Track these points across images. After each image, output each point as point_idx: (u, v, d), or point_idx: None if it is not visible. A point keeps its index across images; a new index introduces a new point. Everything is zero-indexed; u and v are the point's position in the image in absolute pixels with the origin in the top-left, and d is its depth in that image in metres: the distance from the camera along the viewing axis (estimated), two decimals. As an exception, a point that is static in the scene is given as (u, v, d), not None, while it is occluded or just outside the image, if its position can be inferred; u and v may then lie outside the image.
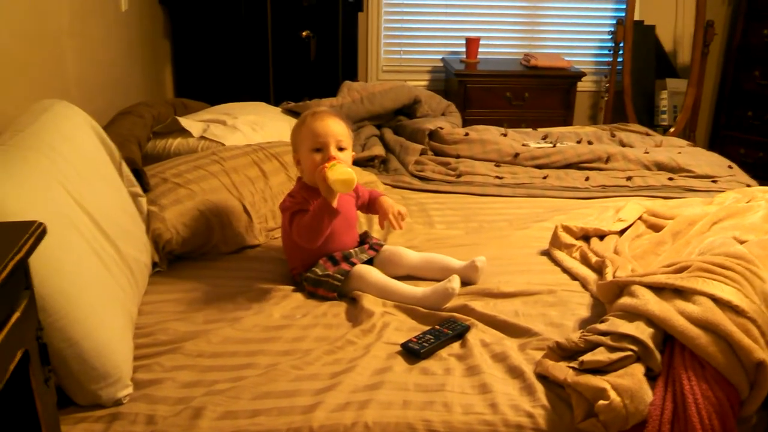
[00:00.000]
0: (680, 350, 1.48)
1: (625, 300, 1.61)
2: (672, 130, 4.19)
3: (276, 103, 3.31)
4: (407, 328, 1.72)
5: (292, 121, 2.79)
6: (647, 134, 3.38)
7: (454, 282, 1.79)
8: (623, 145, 3.17)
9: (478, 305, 1.79)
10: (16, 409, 1.06)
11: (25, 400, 1.07)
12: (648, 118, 4.37)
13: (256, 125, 2.78)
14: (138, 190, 2.01)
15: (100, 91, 2.70)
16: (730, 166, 2.94)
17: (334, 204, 1.84)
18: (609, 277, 1.84)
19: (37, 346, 1.11)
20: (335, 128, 1.93)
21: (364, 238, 2.08)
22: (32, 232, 1.08)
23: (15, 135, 1.57)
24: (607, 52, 4.41)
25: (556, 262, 2.07)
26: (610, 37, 4.34)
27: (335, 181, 1.80)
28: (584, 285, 1.92)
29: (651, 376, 1.45)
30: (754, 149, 4.26)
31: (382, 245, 2.06)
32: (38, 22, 2.17)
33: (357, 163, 2.81)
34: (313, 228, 1.85)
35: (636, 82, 4.30)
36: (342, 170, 1.82)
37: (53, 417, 1.17)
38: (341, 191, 1.83)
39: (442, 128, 3.12)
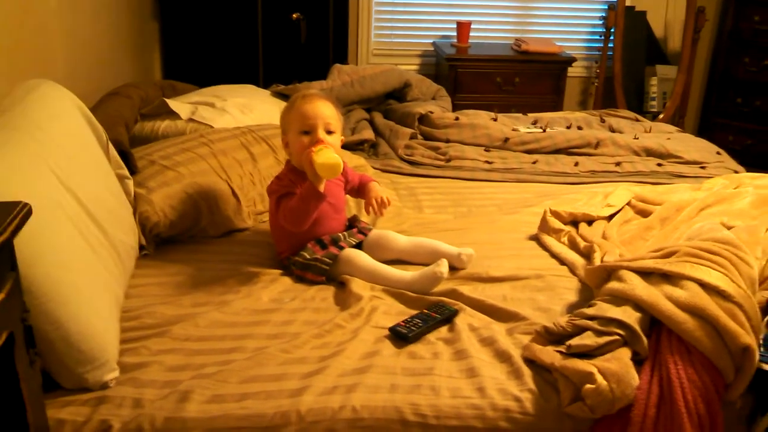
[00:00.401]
0: (667, 335, 1.49)
1: (612, 285, 1.62)
2: (661, 116, 4.19)
3: (265, 86, 3.29)
4: (395, 312, 1.72)
5: (281, 104, 2.77)
6: (637, 120, 3.39)
7: (443, 266, 1.79)
8: (613, 130, 3.17)
9: (467, 289, 1.79)
10: (1, 392, 1.06)
11: (10, 383, 1.07)
12: (638, 104, 4.37)
13: (245, 108, 2.76)
14: (125, 172, 1.99)
15: (87, 71, 2.68)
16: (718, 153, 2.95)
17: (321, 188, 1.83)
18: (597, 262, 1.84)
19: (22, 329, 1.11)
20: (324, 111, 1.92)
21: (352, 222, 2.08)
22: (17, 213, 1.07)
23: (1, 115, 1.56)
24: (598, 37, 4.40)
25: (545, 247, 2.07)
26: (601, 22, 4.33)
27: (321, 166, 1.78)
28: (572, 270, 1.93)
29: (638, 360, 1.46)
30: (743, 136, 4.27)
31: (370, 229, 2.06)
32: (26, 2, 2.14)
33: (346, 146, 2.79)
34: (299, 212, 1.85)
35: (626, 68, 4.30)
36: (328, 155, 1.80)
37: (38, 400, 1.17)
38: (327, 177, 1.82)
39: (432, 112, 3.11)
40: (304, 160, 1.85)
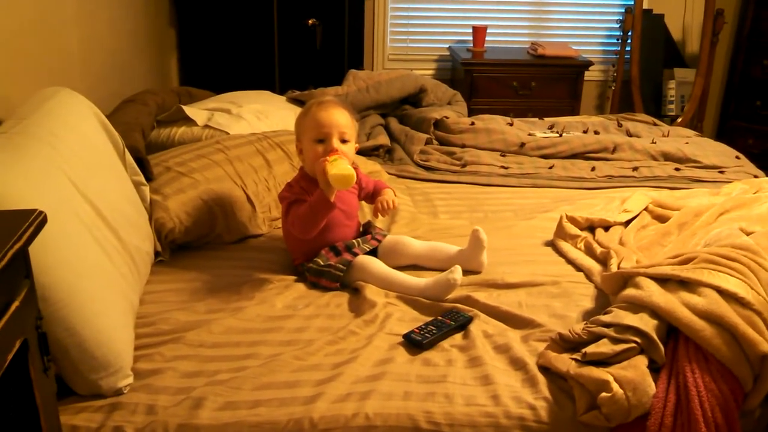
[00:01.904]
0: (684, 342, 1.47)
1: (629, 291, 1.60)
2: (679, 120, 4.16)
3: (281, 92, 3.30)
4: (410, 319, 1.71)
5: (297, 110, 2.76)
6: (654, 124, 3.36)
7: (456, 273, 1.78)
8: (630, 135, 3.14)
9: (482, 296, 1.78)
10: (15, 398, 1.06)
11: (24, 389, 1.07)
12: (655, 107, 4.34)
13: (260, 114, 2.77)
14: (141, 178, 2.00)
15: (104, 79, 2.70)
16: (737, 157, 2.91)
17: (332, 198, 1.82)
18: (614, 268, 1.83)
19: (36, 335, 1.11)
20: (339, 119, 1.91)
21: (366, 228, 2.07)
22: (32, 221, 1.08)
23: (18, 123, 1.57)
24: (615, 41, 4.37)
25: (561, 253, 2.06)
26: (618, 26, 4.31)
27: (334, 177, 1.78)
28: (588, 276, 1.91)
29: (654, 368, 1.45)
30: (763, 139, 4.22)
31: (385, 235, 2.05)
32: (44, 9, 2.16)
33: (362, 152, 2.80)
34: (307, 220, 1.84)
35: (644, 71, 4.27)
36: (342, 166, 1.79)
37: (52, 406, 1.17)
38: (339, 188, 1.81)
39: (447, 117, 3.10)
40: (317, 169, 1.84)
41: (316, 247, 1.92)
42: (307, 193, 1.90)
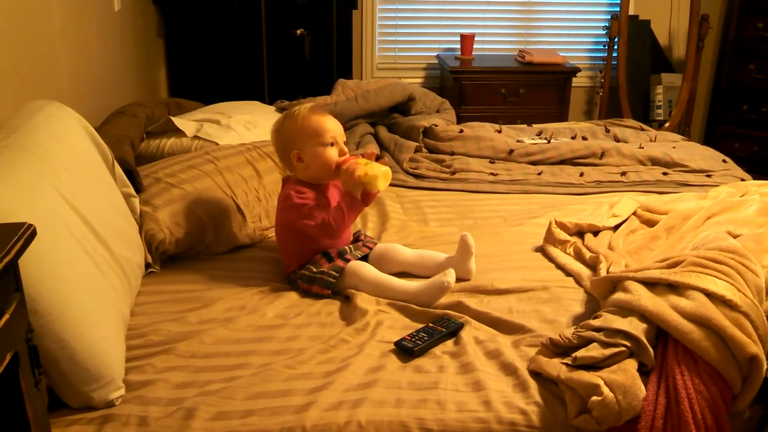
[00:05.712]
0: (673, 345, 1.48)
1: (618, 295, 1.61)
2: (667, 124, 4.19)
3: (270, 102, 3.31)
4: (401, 326, 1.72)
5: (286, 120, 2.78)
6: (642, 129, 3.38)
7: (450, 276, 1.79)
8: (618, 140, 3.17)
9: (472, 302, 1.78)
10: (6, 412, 1.06)
11: (15, 402, 1.07)
12: (643, 113, 4.37)
13: (250, 124, 2.78)
14: (131, 190, 2.00)
15: (93, 91, 2.70)
16: (724, 161, 2.94)
17: (359, 197, 1.91)
18: (603, 272, 1.84)
19: (27, 348, 1.11)
20: (337, 124, 1.99)
21: (357, 236, 2.08)
22: (21, 234, 1.08)
23: (7, 136, 1.57)
24: (601, 47, 4.41)
25: (550, 259, 2.07)
26: (604, 32, 4.34)
27: (374, 178, 1.85)
28: (578, 281, 1.92)
29: (644, 372, 1.46)
30: (750, 143, 4.26)
31: (376, 243, 2.06)
32: (30, 22, 2.16)
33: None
34: (341, 222, 1.89)
35: (631, 77, 4.30)
36: (378, 166, 1.87)
37: (43, 420, 1.17)
38: (382, 188, 1.89)
39: (436, 125, 3.11)
40: (344, 171, 1.89)
41: (312, 253, 1.93)
42: (318, 197, 1.95)
